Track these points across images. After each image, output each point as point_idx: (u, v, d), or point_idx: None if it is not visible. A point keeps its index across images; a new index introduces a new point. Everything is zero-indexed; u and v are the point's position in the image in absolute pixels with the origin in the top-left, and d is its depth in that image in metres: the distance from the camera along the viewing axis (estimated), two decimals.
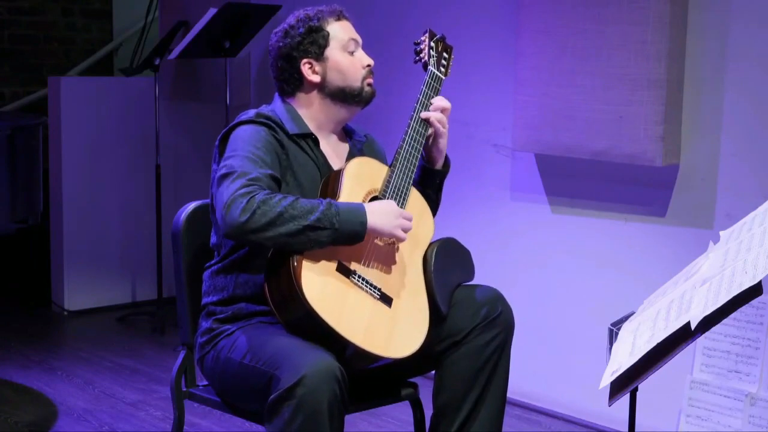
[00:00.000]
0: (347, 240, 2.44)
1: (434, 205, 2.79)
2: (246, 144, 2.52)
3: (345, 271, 2.47)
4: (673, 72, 3.52)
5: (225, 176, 2.46)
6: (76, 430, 3.83)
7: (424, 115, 2.68)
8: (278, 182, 2.52)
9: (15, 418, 3.92)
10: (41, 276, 5.67)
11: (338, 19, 2.69)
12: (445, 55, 2.82)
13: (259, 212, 2.35)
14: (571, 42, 3.71)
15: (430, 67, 2.76)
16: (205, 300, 2.66)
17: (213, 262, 2.66)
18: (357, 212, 2.45)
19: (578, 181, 3.92)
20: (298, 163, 2.60)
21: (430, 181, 2.77)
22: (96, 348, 4.90)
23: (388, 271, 2.56)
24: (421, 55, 2.79)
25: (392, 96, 4.07)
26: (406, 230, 2.53)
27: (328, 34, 2.65)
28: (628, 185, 3.76)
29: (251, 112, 2.64)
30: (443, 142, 2.73)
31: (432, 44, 2.81)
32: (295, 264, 2.39)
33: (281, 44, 2.67)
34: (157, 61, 5.15)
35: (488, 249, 4.06)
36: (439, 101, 2.72)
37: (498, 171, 4.17)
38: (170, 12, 5.65)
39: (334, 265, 2.45)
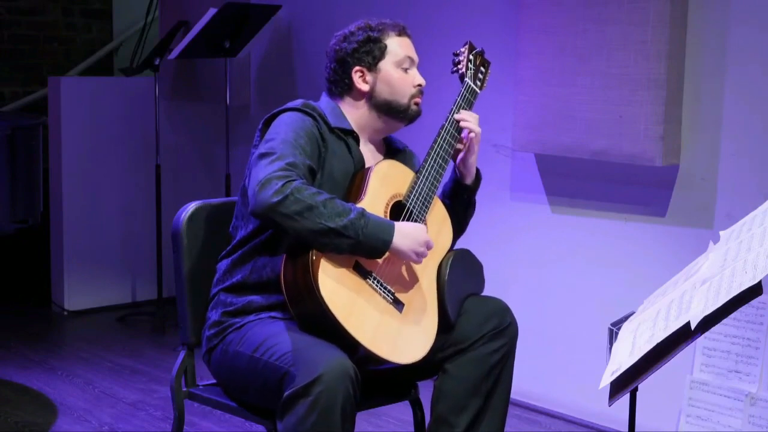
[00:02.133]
0: (366, 254, 2.45)
1: (460, 220, 2.79)
2: (289, 130, 2.53)
3: (362, 271, 2.48)
4: (673, 72, 3.52)
5: (264, 155, 2.47)
6: (76, 430, 3.83)
7: (462, 122, 2.70)
8: (314, 174, 2.54)
9: (15, 418, 3.92)
10: (41, 276, 5.67)
11: (399, 34, 2.71)
12: (482, 69, 2.84)
13: (291, 198, 2.36)
14: (571, 42, 3.71)
15: (467, 79, 2.78)
16: (215, 288, 2.65)
17: (229, 250, 2.65)
18: (385, 230, 2.46)
19: (578, 181, 3.92)
20: (335, 156, 2.60)
21: (459, 195, 2.78)
22: (96, 348, 4.90)
23: (404, 275, 2.56)
24: (459, 66, 2.81)
25: None
26: (423, 257, 2.54)
27: (386, 47, 2.67)
28: (628, 185, 3.76)
29: (298, 102, 2.66)
30: (472, 160, 2.75)
31: (471, 57, 2.83)
32: (314, 257, 2.40)
33: (338, 48, 2.69)
34: (157, 61, 5.15)
35: (488, 249, 4.05)
36: (475, 122, 2.72)
37: (498, 171, 4.17)
38: (170, 12, 5.65)
39: (351, 263, 2.46)
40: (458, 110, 2.72)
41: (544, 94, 3.81)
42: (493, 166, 4.17)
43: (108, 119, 5.56)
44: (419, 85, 2.70)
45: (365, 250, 2.44)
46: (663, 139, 3.51)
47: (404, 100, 2.67)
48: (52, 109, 5.49)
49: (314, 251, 2.41)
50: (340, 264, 2.44)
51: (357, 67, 2.66)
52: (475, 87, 2.79)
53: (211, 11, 4.85)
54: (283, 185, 2.37)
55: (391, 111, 2.67)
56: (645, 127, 3.52)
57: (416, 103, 2.69)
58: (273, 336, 2.45)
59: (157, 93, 5.25)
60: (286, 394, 2.31)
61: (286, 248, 2.48)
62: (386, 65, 2.67)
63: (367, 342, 2.40)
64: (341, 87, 2.69)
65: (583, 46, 3.67)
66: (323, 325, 2.40)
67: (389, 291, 2.51)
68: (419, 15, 4.44)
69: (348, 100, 2.69)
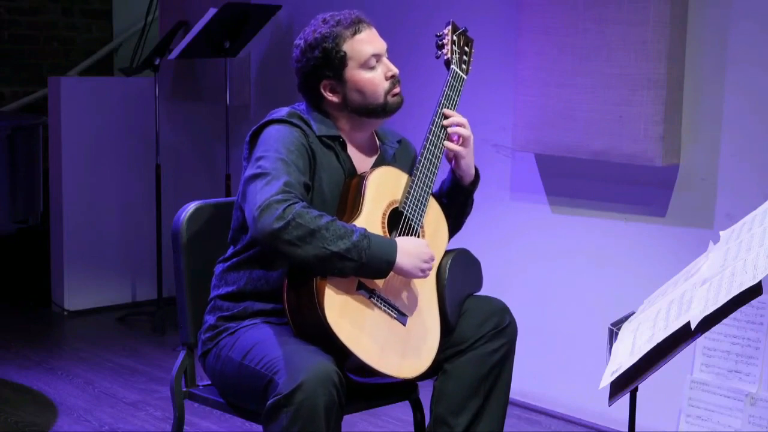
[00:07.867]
0: (370, 275, 2.42)
1: (457, 218, 2.75)
2: (280, 145, 2.47)
3: (366, 290, 2.45)
4: (673, 72, 3.52)
5: (258, 176, 2.41)
6: (76, 430, 3.83)
7: (450, 129, 2.64)
8: (308, 189, 2.49)
9: (15, 418, 3.92)
10: (41, 276, 5.67)
11: (356, 32, 2.57)
12: (466, 49, 2.75)
13: (293, 224, 2.31)
14: (571, 42, 3.71)
15: (453, 66, 2.69)
16: (213, 293, 2.65)
17: (227, 256, 2.64)
18: (387, 250, 2.41)
19: (578, 181, 3.92)
20: (324, 168, 2.56)
21: (456, 196, 2.73)
22: (96, 348, 4.90)
23: (406, 286, 2.54)
24: (444, 51, 2.72)
25: None
26: (429, 272, 2.51)
27: (345, 54, 2.55)
28: (628, 185, 3.76)
29: (283, 111, 2.59)
30: (467, 162, 2.68)
31: (454, 38, 2.74)
32: (318, 283, 2.37)
33: (299, 65, 2.62)
34: (157, 61, 5.15)
35: (488, 249, 4.05)
36: (456, 118, 2.64)
37: (498, 171, 4.17)
38: (170, 12, 5.65)
39: (355, 283, 2.43)
40: (447, 101, 2.65)
41: (544, 94, 3.81)
42: (493, 166, 4.17)
43: (108, 119, 5.56)
44: (392, 77, 2.59)
45: (369, 271, 2.40)
46: (663, 139, 3.51)
47: (379, 99, 2.58)
48: (52, 109, 5.49)
49: (317, 277, 2.38)
50: (344, 287, 2.40)
51: (323, 82, 2.58)
52: (461, 73, 2.71)
53: (211, 11, 4.85)
54: (284, 210, 2.31)
55: (369, 112, 2.59)
56: (645, 127, 3.52)
57: (394, 95, 2.59)
58: (262, 342, 2.45)
59: (157, 93, 5.25)
60: (268, 402, 2.30)
61: (287, 272, 2.45)
62: (351, 72, 2.56)
63: (374, 363, 2.41)
64: (315, 99, 2.62)
65: (583, 46, 3.67)
66: (326, 342, 2.39)
67: (393, 306, 2.50)
68: (419, 15, 4.45)
69: (326, 107, 2.62)
